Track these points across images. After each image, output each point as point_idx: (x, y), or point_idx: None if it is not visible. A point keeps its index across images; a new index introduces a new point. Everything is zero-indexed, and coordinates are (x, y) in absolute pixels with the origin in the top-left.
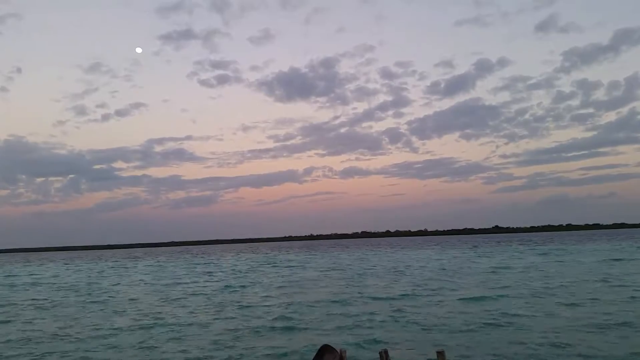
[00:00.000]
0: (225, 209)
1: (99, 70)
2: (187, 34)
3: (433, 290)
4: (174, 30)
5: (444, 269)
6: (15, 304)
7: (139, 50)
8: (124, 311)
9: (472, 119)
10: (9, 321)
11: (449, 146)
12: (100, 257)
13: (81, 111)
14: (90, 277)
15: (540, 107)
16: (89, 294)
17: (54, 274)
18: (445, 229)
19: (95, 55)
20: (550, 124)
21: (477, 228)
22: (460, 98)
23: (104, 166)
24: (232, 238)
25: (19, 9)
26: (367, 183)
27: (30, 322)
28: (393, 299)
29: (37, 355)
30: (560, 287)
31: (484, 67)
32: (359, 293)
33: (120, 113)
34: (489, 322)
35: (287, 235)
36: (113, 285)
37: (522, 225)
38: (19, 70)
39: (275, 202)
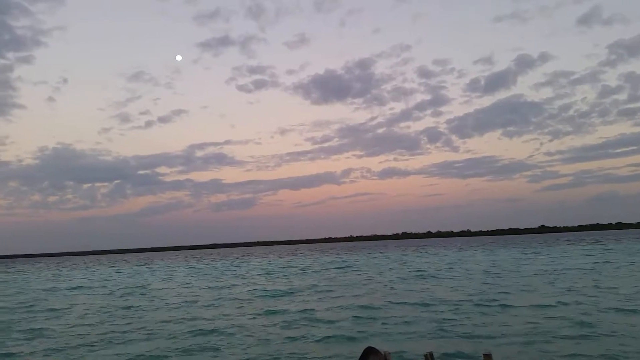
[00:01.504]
0: (264, 211)
1: (142, 79)
2: (224, 41)
3: (499, 294)
4: (212, 37)
5: (499, 272)
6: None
7: (179, 58)
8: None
9: (514, 116)
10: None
11: (491, 144)
12: (154, 258)
13: (125, 118)
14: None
15: (585, 103)
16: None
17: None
18: (489, 229)
19: (137, 64)
20: (595, 120)
21: (522, 228)
22: (501, 95)
23: (148, 171)
24: (273, 240)
25: (65, 22)
26: (406, 183)
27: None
28: (461, 302)
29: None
30: None
31: (524, 63)
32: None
33: (162, 120)
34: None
35: (327, 237)
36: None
37: (570, 224)
38: (65, 80)
39: (314, 204)
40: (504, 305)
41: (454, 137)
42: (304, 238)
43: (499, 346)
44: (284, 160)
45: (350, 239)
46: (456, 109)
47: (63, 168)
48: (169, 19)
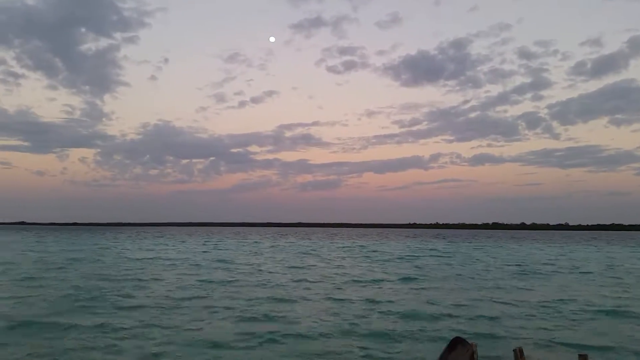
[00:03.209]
0: (349, 193)
1: (237, 60)
2: (317, 22)
3: None
4: (304, 18)
5: None
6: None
7: (272, 39)
8: None
9: (623, 103)
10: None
11: (596, 132)
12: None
13: (221, 98)
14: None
15: None
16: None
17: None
18: (590, 224)
19: (233, 45)
20: None
21: (626, 224)
22: (610, 79)
23: (240, 150)
24: (356, 222)
25: (166, 3)
26: (500, 171)
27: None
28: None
29: None
30: None
31: (638, 45)
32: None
33: (255, 100)
34: None
35: (411, 223)
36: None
37: None
38: (166, 60)
39: (399, 188)
40: None
41: (555, 124)
42: (387, 222)
43: None
44: (370, 143)
45: (436, 226)
46: (559, 93)
47: (163, 144)
48: (265, 1)
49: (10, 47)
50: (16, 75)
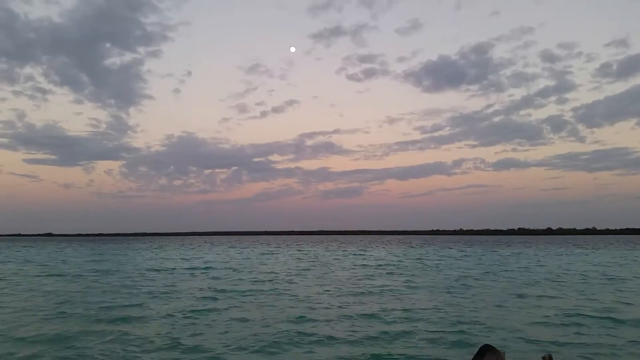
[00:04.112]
0: (371, 200)
1: (258, 71)
2: (336, 31)
3: None
4: (324, 28)
5: None
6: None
7: (292, 49)
8: None
9: None
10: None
11: (623, 135)
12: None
13: (243, 109)
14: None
15: None
16: None
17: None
18: (618, 228)
19: (254, 56)
20: None
21: None
22: (637, 80)
23: (262, 159)
24: (378, 229)
25: (188, 17)
26: (525, 176)
27: None
28: None
29: None
30: None
31: None
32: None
33: (276, 110)
34: None
35: (434, 229)
36: None
37: None
38: (189, 73)
39: (422, 194)
40: None
41: (580, 127)
42: (410, 229)
43: None
44: (392, 150)
45: (460, 232)
46: (583, 95)
47: (187, 155)
48: (285, 12)
49: (38, 63)
50: (44, 91)
